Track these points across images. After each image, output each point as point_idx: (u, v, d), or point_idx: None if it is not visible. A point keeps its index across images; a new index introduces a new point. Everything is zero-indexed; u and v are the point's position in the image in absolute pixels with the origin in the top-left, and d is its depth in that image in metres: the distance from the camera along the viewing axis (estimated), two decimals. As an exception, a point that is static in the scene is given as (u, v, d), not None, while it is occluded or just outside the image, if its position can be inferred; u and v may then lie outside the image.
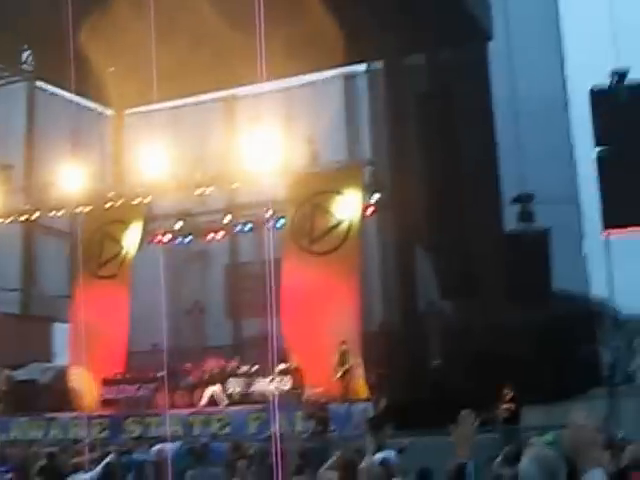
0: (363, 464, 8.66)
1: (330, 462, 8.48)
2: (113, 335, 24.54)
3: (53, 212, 26.20)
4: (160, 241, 26.48)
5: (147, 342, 25.14)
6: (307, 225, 22.98)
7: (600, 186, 20.96)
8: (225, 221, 25.76)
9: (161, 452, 13.39)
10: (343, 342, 20.80)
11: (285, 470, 11.46)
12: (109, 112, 30.14)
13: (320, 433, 18.05)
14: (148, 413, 22.01)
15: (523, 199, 21.73)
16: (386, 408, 18.43)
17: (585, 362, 20.23)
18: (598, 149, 21.07)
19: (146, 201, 25.49)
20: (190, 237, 26.45)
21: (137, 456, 13.66)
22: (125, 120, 29.98)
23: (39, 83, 28.80)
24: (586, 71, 22.09)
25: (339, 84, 26.11)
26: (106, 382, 24.06)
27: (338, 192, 22.76)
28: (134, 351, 25.52)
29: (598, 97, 21.26)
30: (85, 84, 22.98)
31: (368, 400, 19.91)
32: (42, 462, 13.06)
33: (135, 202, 25.37)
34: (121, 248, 25.70)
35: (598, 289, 21.64)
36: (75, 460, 12.04)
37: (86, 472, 11.33)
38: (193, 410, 21.70)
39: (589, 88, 21.29)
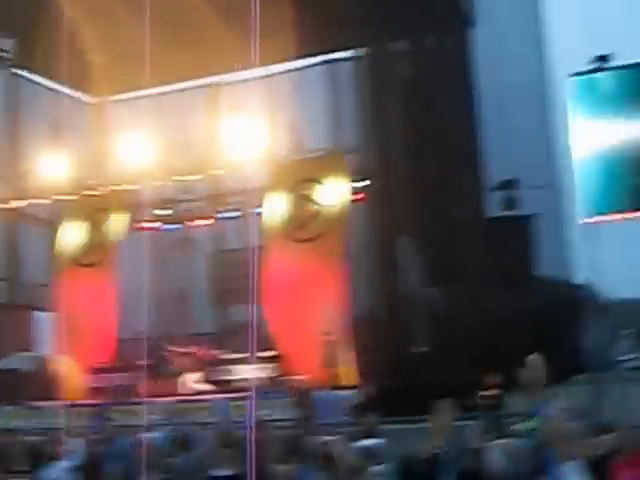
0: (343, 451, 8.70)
1: None
2: (97, 323, 24.49)
3: (36, 200, 26.09)
4: (144, 229, 26.42)
5: (131, 330, 25.10)
6: (291, 212, 22.97)
7: (582, 172, 21.01)
8: (209, 209, 25.71)
9: (144, 440, 13.33)
10: (329, 330, 20.83)
11: (268, 458, 11.48)
12: (91, 100, 29.95)
13: (304, 420, 18.05)
14: (132, 401, 21.97)
15: (506, 185, 21.75)
16: (371, 395, 18.45)
17: (569, 348, 20.28)
18: (579, 135, 21.11)
19: (129, 189, 25.43)
20: (174, 224, 26.39)
21: (120, 444, 13.61)
22: (108, 107, 29.80)
23: (20, 71, 28.57)
24: (568, 56, 22.10)
25: (322, 71, 26.01)
26: (90, 370, 24.00)
27: (322, 180, 22.76)
28: (118, 339, 25.46)
29: (579, 82, 21.29)
30: (67, 71, 22.86)
31: (353, 387, 19.95)
32: (24, 450, 13.11)
33: (118, 190, 25.31)
34: (105, 235, 25.62)
35: (581, 275, 21.70)
36: (57, 449, 12.01)
37: (67, 460, 11.33)
38: (177, 398, 21.68)
39: (570, 72, 21.31)
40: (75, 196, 25.84)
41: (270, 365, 21.62)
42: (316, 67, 26.03)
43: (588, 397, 18.28)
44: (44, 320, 26.35)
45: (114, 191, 25.41)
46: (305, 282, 21.60)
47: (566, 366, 19.15)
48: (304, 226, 22.64)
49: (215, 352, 23.04)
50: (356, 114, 24.35)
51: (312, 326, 21.16)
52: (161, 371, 23.28)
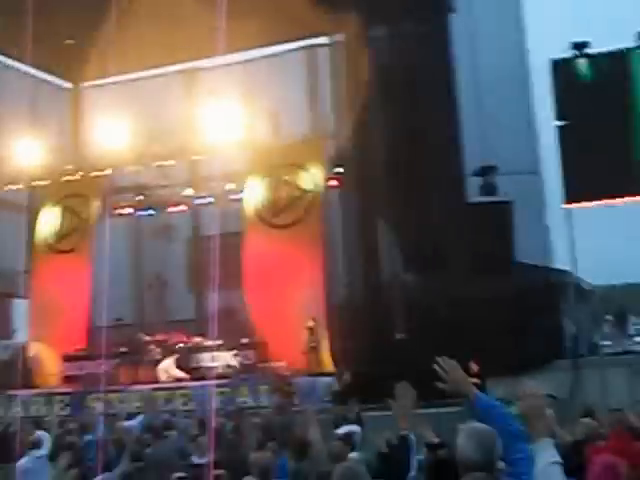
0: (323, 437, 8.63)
1: None
2: (74, 310, 24.34)
3: (12, 186, 25.89)
4: (121, 214, 26.27)
5: (109, 317, 24.95)
6: (269, 198, 22.89)
7: (561, 158, 21.03)
8: (186, 194, 25.59)
9: (122, 428, 13.24)
10: (311, 316, 20.81)
11: (247, 444, 11.42)
12: (68, 85, 29.70)
13: (285, 407, 18.00)
14: (110, 389, 21.88)
15: (485, 171, 21.71)
16: (351, 382, 18.43)
17: (549, 333, 20.31)
18: (558, 121, 21.12)
19: (106, 174, 25.27)
20: (151, 210, 26.24)
21: (98, 432, 13.50)
22: (84, 93, 29.55)
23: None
24: (547, 43, 22.09)
25: (301, 56, 25.88)
26: (67, 358, 23.86)
27: (300, 165, 22.70)
28: (95, 326, 25.31)
29: (558, 68, 21.29)
30: (43, 57, 22.64)
31: (333, 374, 19.93)
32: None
33: (95, 175, 25.15)
34: (81, 221, 25.45)
35: (561, 260, 21.74)
36: (33, 437, 11.90)
37: (43, 449, 11.23)
38: (155, 385, 21.60)
39: (550, 59, 21.30)
40: (52, 182, 25.64)
41: (250, 351, 21.58)
42: (295, 52, 25.87)
43: (568, 381, 18.37)
44: (22, 307, 26.16)
45: (91, 177, 25.22)
46: (284, 267, 21.53)
47: (545, 351, 19.21)
48: (283, 211, 22.57)
49: (193, 339, 22.92)
50: (334, 100, 24.28)
51: (291, 312, 21.12)
52: (138, 358, 23.19)
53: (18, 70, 27.14)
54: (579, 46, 21.22)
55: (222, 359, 21.76)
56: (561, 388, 17.75)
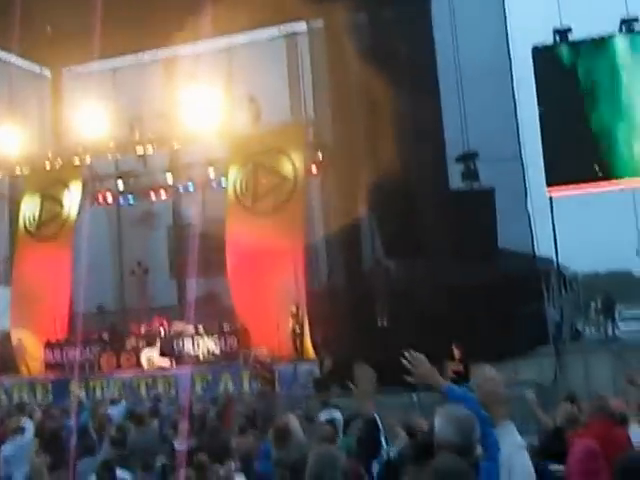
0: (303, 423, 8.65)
1: None
2: (56, 297, 24.27)
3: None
4: (102, 202, 26.20)
5: (91, 304, 24.94)
6: (250, 184, 22.85)
7: (542, 144, 21.08)
8: (167, 181, 25.54)
9: (104, 415, 13.25)
10: (295, 302, 20.83)
11: (229, 430, 11.44)
12: (47, 72, 29.53)
13: (266, 393, 18.03)
14: (92, 376, 21.88)
15: (467, 157, 21.74)
16: (332, 368, 18.45)
17: (532, 320, 20.37)
18: (540, 107, 21.15)
19: (86, 162, 25.19)
20: (132, 197, 26.18)
21: (80, 419, 13.50)
22: (64, 80, 29.39)
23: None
24: (529, 29, 22.12)
25: (281, 43, 25.81)
26: (49, 345, 23.81)
27: (281, 151, 22.65)
28: (78, 313, 25.27)
29: (540, 54, 21.32)
30: (22, 44, 22.52)
31: (314, 360, 19.97)
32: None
33: (75, 163, 25.07)
34: (62, 209, 25.35)
35: (544, 247, 21.80)
36: (16, 425, 11.90)
37: (26, 435, 11.23)
38: (138, 372, 21.60)
39: (532, 45, 21.33)
40: (32, 170, 25.54)
41: (232, 337, 21.60)
42: (275, 39, 25.79)
43: (551, 367, 18.46)
44: (4, 295, 26.04)
45: (71, 164, 25.13)
46: (265, 254, 21.52)
47: (529, 337, 19.27)
48: (264, 198, 22.55)
49: (175, 325, 22.91)
50: (315, 86, 24.24)
51: (273, 298, 21.12)
52: (120, 345, 23.17)
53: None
54: (561, 32, 21.26)
55: (204, 345, 21.76)
56: (544, 374, 17.86)
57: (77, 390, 21.14)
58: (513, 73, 21.79)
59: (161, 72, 27.32)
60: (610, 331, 24.20)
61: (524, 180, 21.31)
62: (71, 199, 25.33)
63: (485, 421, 4.27)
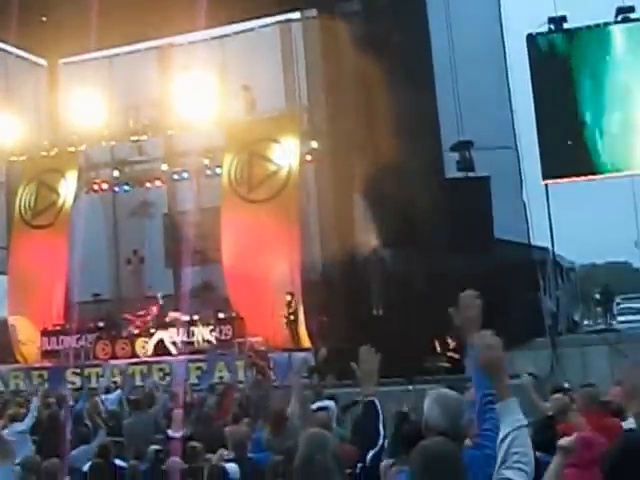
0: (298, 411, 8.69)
1: None
2: (52, 285, 24.32)
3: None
4: (97, 190, 26.23)
5: (87, 292, 25.00)
6: (245, 173, 22.85)
7: (537, 134, 21.03)
8: (162, 169, 25.56)
9: (100, 402, 13.31)
10: (290, 291, 20.86)
11: (224, 419, 11.49)
12: (43, 61, 29.50)
13: (261, 382, 18.07)
14: (88, 364, 21.93)
15: (462, 146, 21.71)
16: (327, 357, 18.49)
17: (528, 310, 20.34)
18: (535, 95, 21.10)
19: (82, 150, 25.22)
20: (127, 186, 26.21)
21: (76, 406, 13.56)
22: (59, 69, 29.36)
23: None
24: (523, 17, 22.08)
25: (275, 31, 25.75)
26: (45, 333, 23.86)
27: (276, 139, 22.66)
28: (74, 301, 25.32)
29: (534, 43, 21.26)
30: (19, 34, 22.49)
31: (309, 349, 20.01)
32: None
33: (70, 151, 25.08)
34: (57, 197, 25.38)
35: (540, 236, 21.78)
36: (12, 411, 11.95)
37: (23, 422, 11.27)
38: (133, 360, 21.65)
39: (526, 33, 21.27)
40: (28, 158, 25.55)
41: (227, 326, 21.62)
42: (268, 27, 25.73)
43: (548, 359, 18.44)
44: (0, 283, 26.09)
45: (67, 152, 25.15)
46: (260, 242, 21.54)
47: (525, 328, 19.25)
48: (259, 186, 22.55)
49: (170, 314, 22.93)
50: (309, 74, 24.22)
51: (268, 287, 21.16)
52: (118, 333, 23.23)
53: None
54: (556, 21, 21.20)
55: (199, 334, 21.79)
56: (541, 365, 17.87)
57: (73, 378, 21.23)
58: (508, 61, 21.78)
59: (156, 61, 27.26)
60: (607, 322, 24.22)
61: (519, 169, 21.31)
62: (67, 187, 25.35)
63: (488, 402, 4.22)
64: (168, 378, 20.14)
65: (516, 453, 3.70)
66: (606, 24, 21.25)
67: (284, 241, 21.52)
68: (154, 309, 23.12)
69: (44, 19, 24.14)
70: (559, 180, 21.26)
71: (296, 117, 23.47)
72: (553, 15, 21.13)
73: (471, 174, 22.06)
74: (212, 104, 22.82)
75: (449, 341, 16.88)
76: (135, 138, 24.40)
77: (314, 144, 22.67)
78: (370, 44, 21.01)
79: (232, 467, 7.94)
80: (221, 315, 21.96)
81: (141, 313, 23.35)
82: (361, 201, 21.99)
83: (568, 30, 21.23)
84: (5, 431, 10.90)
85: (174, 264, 26.30)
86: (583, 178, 21.50)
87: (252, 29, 25.64)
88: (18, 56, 28.06)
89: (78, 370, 21.55)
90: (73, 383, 20.81)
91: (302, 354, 19.75)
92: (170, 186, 26.34)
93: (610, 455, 3.39)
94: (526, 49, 21.28)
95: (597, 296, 25.33)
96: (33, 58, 28.96)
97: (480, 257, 20.04)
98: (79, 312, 24.60)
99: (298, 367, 18.34)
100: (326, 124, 22.68)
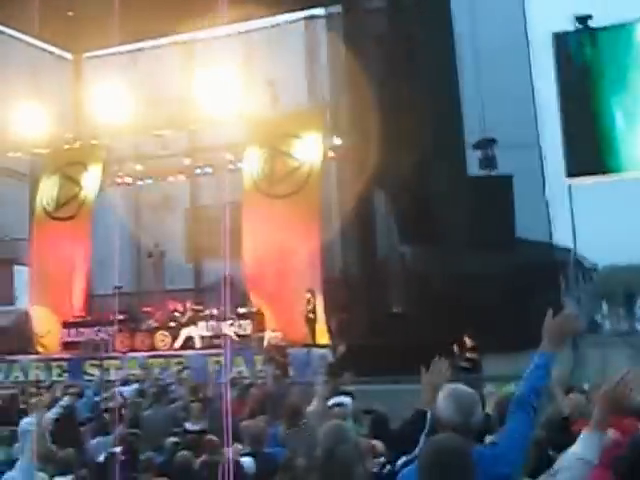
0: (316, 408, 8.68)
1: None
2: (73, 277, 24.47)
3: (13, 154, 25.93)
4: (120, 183, 26.33)
5: (108, 284, 25.08)
6: (267, 168, 22.84)
7: (562, 133, 20.92)
8: (185, 164, 25.62)
9: (118, 394, 13.37)
10: (309, 288, 20.84)
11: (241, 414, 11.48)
12: (68, 55, 29.65)
13: (279, 378, 18.07)
14: (107, 356, 22.01)
15: (485, 144, 21.63)
16: (345, 354, 18.46)
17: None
18: (559, 94, 20.99)
19: (105, 143, 25.32)
20: (150, 179, 26.30)
21: (93, 398, 13.62)
22: (84, 63, 29.50)
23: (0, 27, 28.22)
24: (548, 16, 21.94)
25: (299, 27, 25.75)
26: (66, 324, 23.99)
27: (298, 135, 22.62)
28: (94, 294, 25.46)
29: (560, 41, 21.14)
30: (45, 28, 22.58)
31: (328, 346, 19.98)
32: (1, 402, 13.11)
33: (94, 144, 25.20)
34: (80, 190, 25.49)
35: (562, 236, 21.65)
36: (34, 401, 12.00)
37: (42, 413, 11.28)
38: (152, 353, 21.73)
39: (552, 32, 21.14)
40: (52, 150, 25.70)
41: (246, 321, 21.63)
42: (293, 23, 25.74)
43: (568, 360, 18.34)
44: (23, 274, 26.27)
45: (90, 146, 25.28)
46: (281, 238, 21.54)
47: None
48: (281, 182, 22.53)
49: (192, 307, 22.99)
50: (333, 70, 24.19)
51: (288, 283, 21.15)
52: (137, 326, 23.32)
53: (21, 41, 27.17)
54: (581, 19, 21.07)
55: (218, 329, 21.82)
56: (561, 366, 17.74)
57: (92, 370, 21.31)
58: (532, 60, 21.69)
59: (180, 55, 27.35)
60: (629, 324, 24.04)
61: (542, 167, 21.21)
62: (90, 180, 25.46)
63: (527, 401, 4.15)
64: (187, 371, 20.17)
65: None
66: (632, 23, 21.11)
67: (305, 237, 21.48)
68: (174, 304, 23.22)
69: (70, 13, 24.28)
70: (582, 179, 21.12)
71: (319, 113, 23.44)
72: (578, 14, 21.01)
73: (494, 172, 21.98)
74: (235, 99, 22.82)
75: (467, 340, 16.77)
76: (158, 132, 24.47)
77: (337, 140, 22.64)
78: (394, 40, 20.98)
79: (248, 461, 7.92)
80: (241, 310, 21.98)
81: (161, 306, 23.46)
82: (382, 198, 21.94)
83: (594, 29, 21.09)
84: (28, 418, 10.95)
85: (195, 258, 26.36)
86: (607, 177, 21.35)
87: (276, 24, 25.66)
88: (44, 49, 28.26)
89: (97, 362, 21.64)
90: (92, 375, 20.88)
91: (321, 351, 19.74)
92: (192, 180, 26.41)
93: (626, 455, 3.36)
94: (551, 47, 21.16)
95: (617, 297, 25.13)
96: (58, 51, 29.14)
97: (501, 256, 19.97)
98: (99, 304, 24.75)
99: (317, 364, 18.36)
100: (349, 120, 22.64)
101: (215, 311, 22.06)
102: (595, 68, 20.92)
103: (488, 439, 4.72)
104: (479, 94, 20.98)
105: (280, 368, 18.82)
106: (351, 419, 9.39)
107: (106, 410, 12.03)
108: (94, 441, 10.16)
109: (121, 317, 23.61)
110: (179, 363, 20.64)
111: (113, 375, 20.22)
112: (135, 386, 15.30)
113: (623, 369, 3.91)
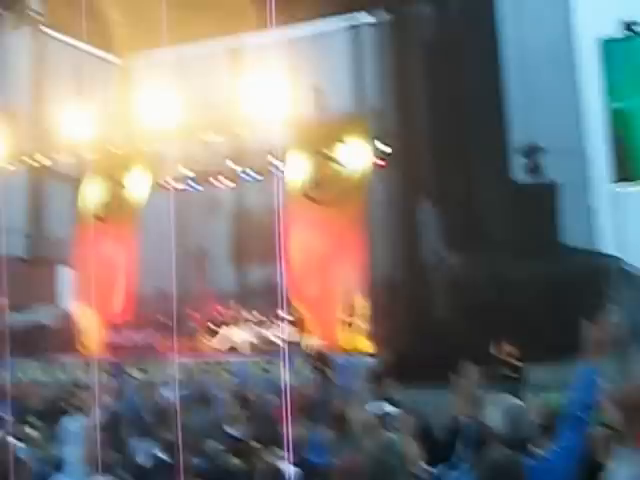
0: (359, 415, 8.64)
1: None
2: (116, 279, 24.66)
3: (60, 157, 26.19)
4: (166, 187, 26.47)
5: (151, 287, 25.23)
6: (312, 174, 22.85)
7: (610, 139, 20.71)
8: (230, 168, 25.71)
9: (162, 398, 13.41)
10: (351, 294, 20.80)
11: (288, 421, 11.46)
12: (115, 59, 29.91)
13: (323, 385, 18.04)
14: (149, 358, 22.09)
15: (531, 151, 21.49)
16: (388, 361, 18.40)
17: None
18: (607, 101, 20.79)
19: (151, 147, 25.47)
20: (195, 183, 26.43)
21: (134, 401, 13.69)
22: (131, 67, 29.73)
23: (46, 29, 28.54)
24: (594, 20, 21.72)
25: (346, 34, 25.74)
26: (108, 326, 24.15)
27: (344, 141, 22.61)
28: (139, 296, 25.60)
29: (608, 48, 20.94)
30: (91, 31, 22.81)
31: (371, 353, 19.92)
32: (45, 403, 13.26)
33: (140, 148, 25.37)
34: (126, 192, 25.68)
35: (607, 244, 21.43)
36: (77, 403, 12.10)
37: (86, 415, 11.36)
38: (194, 356, 21.78)
39: (598, 37, 20.95)
40: (98, 153, 25.90)
41: (290, 327, 21.63)
42: (340, 30, 25.75)
43: (613, 371, 18.07)
44: (67, 275, 26.53)
45: (137, 149, 25.45)
46: (326, 244, 21.53)
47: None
48: (326, 188, 22.52)
49: (236, 312, 23.06)
50: (379, 76, 24.15)
51: (332, 289, 21.14)
52: (181, 329, 23.39)
53: (69, 45, 27.46)
54: (630, 25, 20.86)
55: (264, 334, 21.85)
56: (605, 376, 17.51)
57: (134, 372, 21.42)
58: (579, 66, 21.49)
59: (226, 60, 27.47)
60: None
61: (588, 174, 21.01)
62: (136, 183, 25.65)
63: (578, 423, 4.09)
64: (229, 376, 20.22)
65: None
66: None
67: (349, 243, 21.47)
68: (218, 308, 23.30)
69: (117, 17, 24.49)
70: (629, 185, 20.90)
71: (364, 119, 23.40)
72: (627, 20, 20.79)
73: (540, 178, 21.82)
74: (280, 104, 22.85)
75: (511, 348, 16.62)
76: (204, 136, 24.58)
77: (382, 147, 22.59)
78: (440, 47, 20.90)
79: (288, 468, 7.90)
80: (284, 315, 21.96)
81: (206, 310, 23.53)
82: (427, 204, 21.85)
83: (640, 34, 20.88)
84: (69, 422, 11.02)
85: (238, 261, 26.43)
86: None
87: (323, 31, 25.68)
88: (91, 53, 28.52)
89: (140, 364, 21.73)
90: (135, 377, 20.97)
91: (365, 358, 19.67)
92: (237, 184, 26.50)
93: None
94: (599, 54, 20.97)
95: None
96: (105, 55, 29.40)
97: (546, 264, 19.82)
98: (142, 306, 24.88)
99: (360, 371, 18.31)
100: (395, 127, 22.59)
101: (259, 315, 22.10)
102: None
103: (537, 451, 4.66)
104: (525, 100, 20.84)
105: (325, 375, 18.81)
106: (396, 427, 9.34)
107: (149, 413, 12.08)
108: (137, 444, 10.21)
109: (164, 319, 23.73)
110: (222, 367, 20.70)
111: (156, 378, 20.31)
112: (178, 390, 15.35)
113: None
